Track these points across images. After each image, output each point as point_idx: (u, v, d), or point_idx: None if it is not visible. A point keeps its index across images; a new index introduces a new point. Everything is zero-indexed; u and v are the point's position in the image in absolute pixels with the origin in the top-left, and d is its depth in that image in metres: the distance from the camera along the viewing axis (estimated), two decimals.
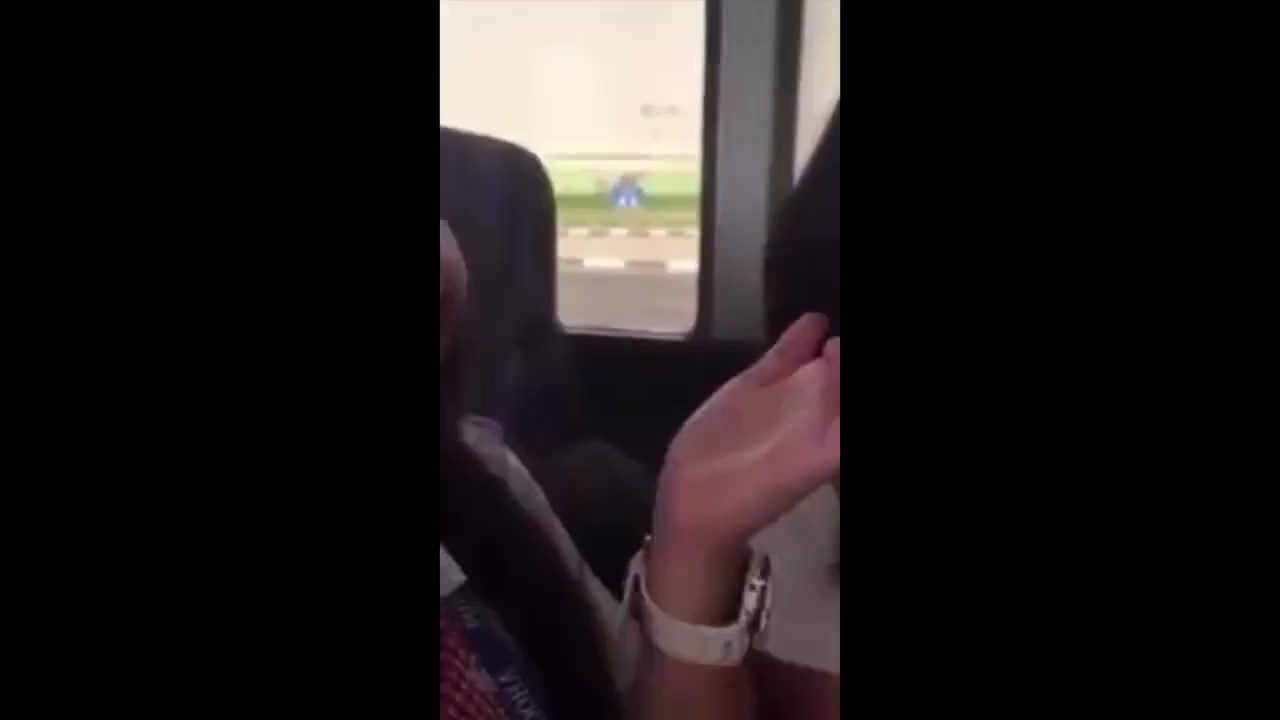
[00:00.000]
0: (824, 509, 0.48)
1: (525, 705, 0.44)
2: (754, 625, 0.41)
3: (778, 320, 0.48)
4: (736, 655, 0.41)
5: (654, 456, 0.57)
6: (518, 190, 0.92)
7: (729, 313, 1.10)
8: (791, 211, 0.57)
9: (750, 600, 0.41)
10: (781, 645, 0.50)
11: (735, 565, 0.41)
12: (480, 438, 0.53)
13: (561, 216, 0.94)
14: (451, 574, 0.46)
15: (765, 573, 0.41)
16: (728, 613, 0.41)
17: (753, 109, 1.05)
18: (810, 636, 0.49)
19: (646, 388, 0.73)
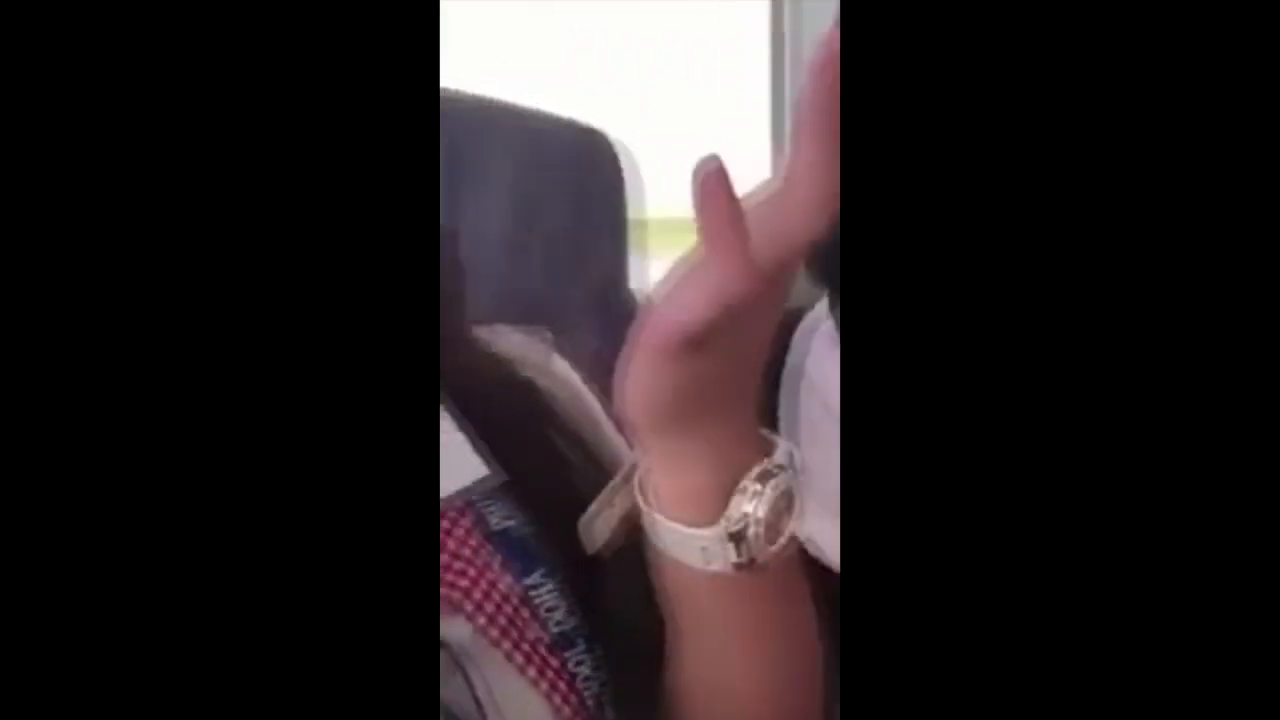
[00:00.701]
0: None
1: (552, 609, 0.42)
2: (739, 537, 0.37)
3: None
4: (719, 565, 0.38)
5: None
6: (588, 165, 0.98)
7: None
8: None
9: (738, 504, 0.37)
10: (832, 550, 0.51)
11: (724, 453, 0.37)
12: (523, 343, 0.50)
13: (656, 241, 0.98)
14: (475, 468, 0.43)
15: (766, 477, 0.37)
16: (715, 515, 0.37)
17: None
18: None
19: None
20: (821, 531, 0.52)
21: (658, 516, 0.38)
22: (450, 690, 0.39)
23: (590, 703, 0.42)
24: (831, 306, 0.55)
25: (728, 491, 0.37)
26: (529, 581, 0.42)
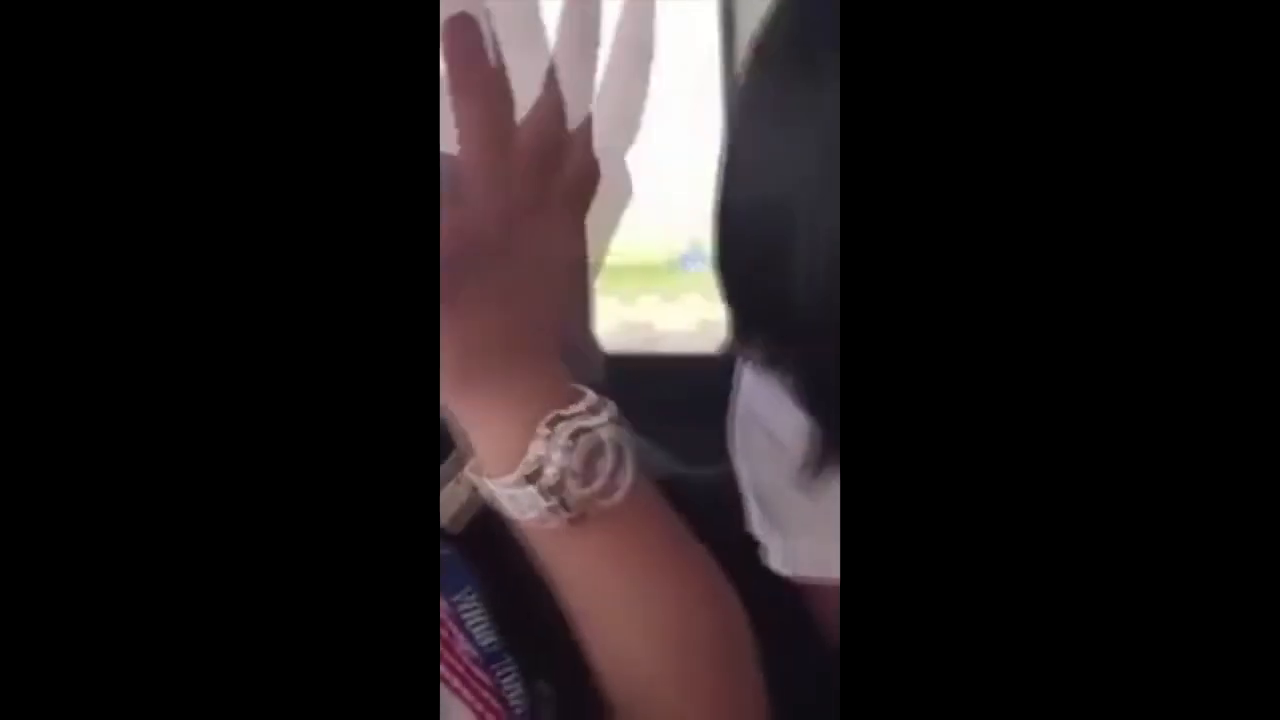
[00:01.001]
0: (792, 424, 0.51)
1: (478, 624, 0.42)
2: (535, 479, 0.36)
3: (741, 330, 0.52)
4: (537, 515, 0.37)
5: (694, 459, 0.63)
6: None
7: None
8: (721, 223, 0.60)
9: (532, 449, 0.36)
10: (779, 561, 0.54)
11: (522, 404, 0.37)
12: None
13: (633, 284, 0.98)
14: None
15: (559, 421, 0.36)
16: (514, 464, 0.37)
17: None
18: (798, 550, 0.52)
19: (685, 398, 0.74)
20: (773, 547, 0.55)
21: (481, 477, 0.38)
22: None
23: (520, 715, 0.41)
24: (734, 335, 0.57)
25: (526, 442, 0.37)
26: (456, 598, 0.42)
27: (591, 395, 0.38)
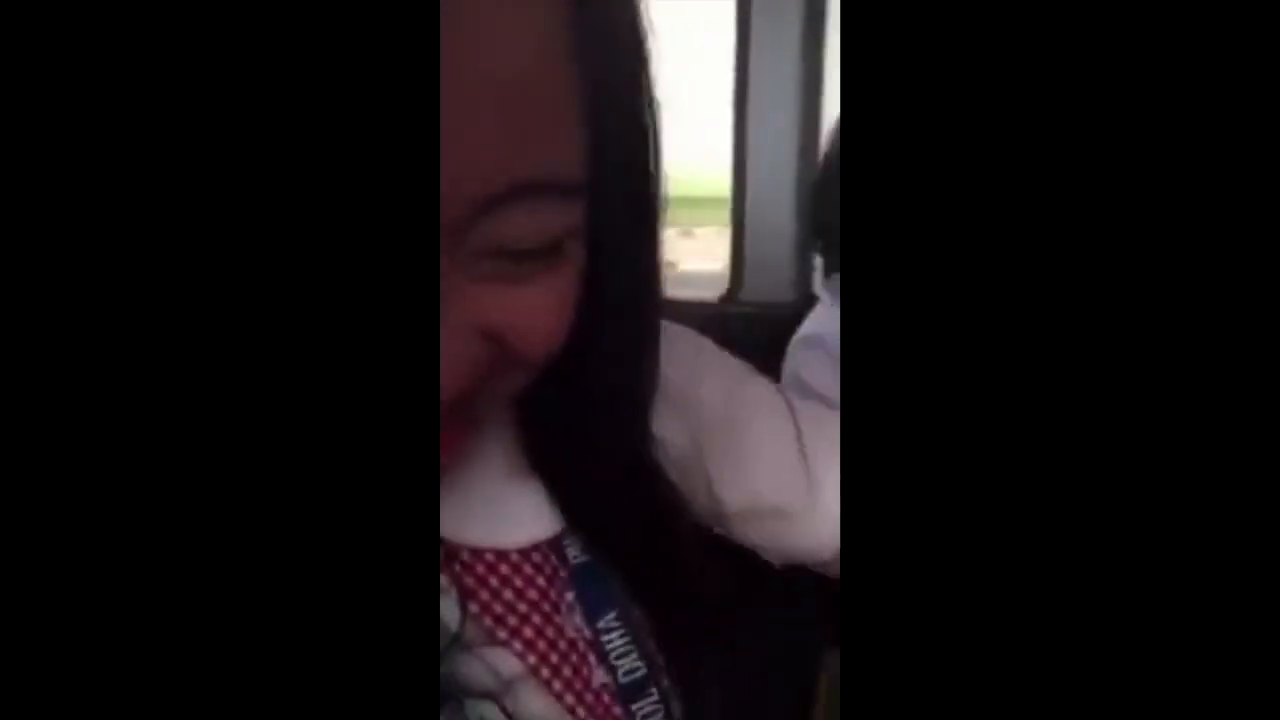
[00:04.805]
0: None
1: (624, 655, 0.41)
2: None
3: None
4: None
5: None
6: None
7: (757, 275, 1.18)
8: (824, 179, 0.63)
9: None
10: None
11: None
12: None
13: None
14: (548, 520, 0.42)
15: None
16: None
17: (780, 90, 1.13)
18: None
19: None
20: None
21: None
22: (486, 711, 0.39)
23: None
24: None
25: None
26: (601, 625, 0.41)
27: None
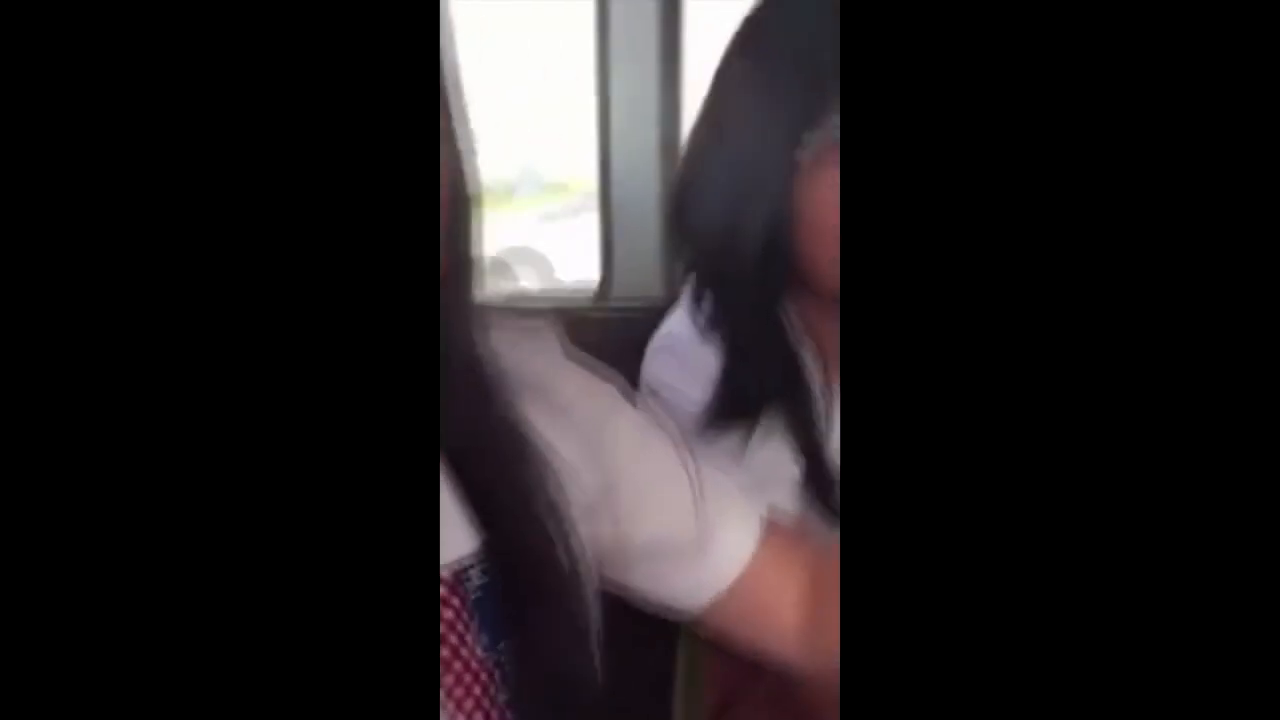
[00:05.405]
0: (705, 376, 0.63)
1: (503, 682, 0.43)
2: None
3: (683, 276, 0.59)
4: None
5: None
6: None
7: (627, 274, 1.19)
8: (681, 183, 0.67)
9: None
10: None
11: None
12: (526, 343, 0.49)
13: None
14: (465, 539, 0.43)
15: None
16: None
17: (641, 88, 1.14)
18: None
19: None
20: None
21: None
22: None
23: None
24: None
25: None
26: (501, 646, 0.43)
27: None
